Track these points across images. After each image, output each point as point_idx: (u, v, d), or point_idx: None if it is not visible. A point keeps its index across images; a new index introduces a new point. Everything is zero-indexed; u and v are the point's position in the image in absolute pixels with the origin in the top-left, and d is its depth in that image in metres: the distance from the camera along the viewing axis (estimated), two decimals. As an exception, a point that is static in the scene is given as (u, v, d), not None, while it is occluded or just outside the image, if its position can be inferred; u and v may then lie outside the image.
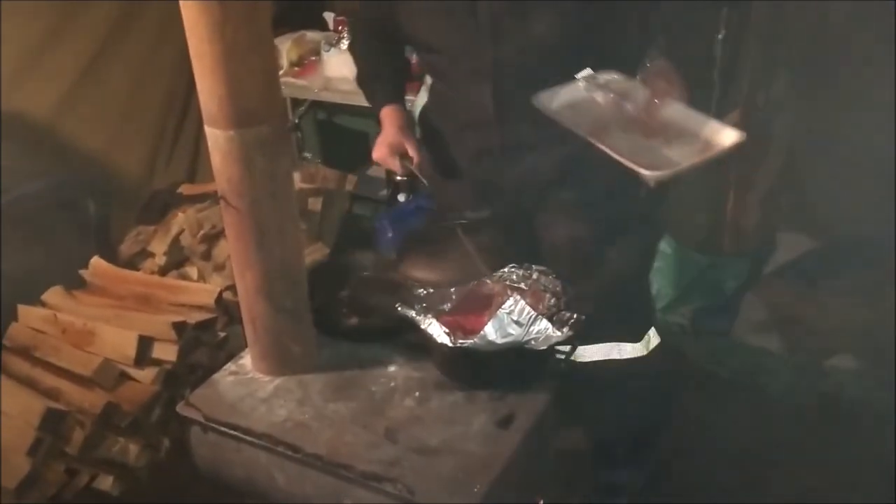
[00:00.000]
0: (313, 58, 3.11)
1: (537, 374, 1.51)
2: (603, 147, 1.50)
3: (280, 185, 1.41)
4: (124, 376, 2.21)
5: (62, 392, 2.13)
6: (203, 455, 1.54)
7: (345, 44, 2.95)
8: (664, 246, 2.70)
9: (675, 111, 1.56)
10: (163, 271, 2.64)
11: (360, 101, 2.94)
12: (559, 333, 1.42)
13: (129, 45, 2.67)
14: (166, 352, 2.22)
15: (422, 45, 1.78)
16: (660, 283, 2.64)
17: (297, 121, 3.22)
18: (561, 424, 1.69)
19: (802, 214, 2.76)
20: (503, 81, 1.66)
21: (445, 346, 1.42)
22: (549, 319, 1.43)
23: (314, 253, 2.76)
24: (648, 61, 1.60)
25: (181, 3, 1.29)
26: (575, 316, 1.46)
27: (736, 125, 1.58)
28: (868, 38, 2.43)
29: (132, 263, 2.66)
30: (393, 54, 1.91)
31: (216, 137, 1.37)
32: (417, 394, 1.50)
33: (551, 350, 1.47)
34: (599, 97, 1.62)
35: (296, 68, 3.09)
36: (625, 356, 1.92)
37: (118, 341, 2.20)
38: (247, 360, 1.61)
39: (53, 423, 2.01)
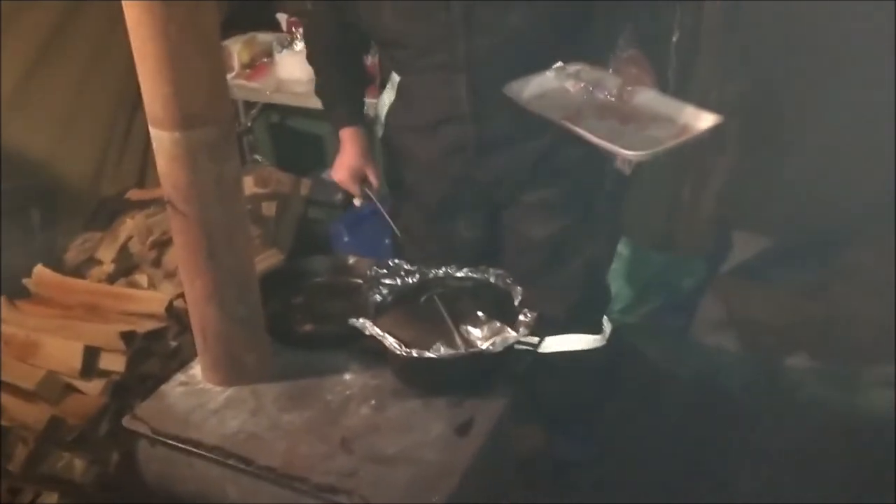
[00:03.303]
0: (265, 59, 3.05)
1: (496, 377, 1.48)
2: (580, 131, 1.50)
3: (228, 190, 1.36)
4: (70, 389, 2.13)
5: (4, 407, 2.04)
6: (152, 470, 1.48)
7: (298, 45, 2.90)
8: (621, 247, 2.71)
9: (649, 97, 1.57)
10: (111, 279, 2.56)
11: (314, 103, 2.90)
12: (515, 334, 1.40)
13: (72, 47, 2.58)
14: (114, 362, 2.15)
15: (388, 41, 1.75)
16: (617, 283, 2.64)
17: (249, 124, 3.16)
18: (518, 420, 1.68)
19: (756, 213, 2.78)
20: (477, 73, 1.64)
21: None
22: (505, 322, 1.42)
23: (269, 259, 2.69)
24: (619, 50, 1.62)
25: (123, 2, 1.24)
26: (530, 315, 1.44)
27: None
28: (831, 37, 2.46)
29: (79, 272, 2.57)
30: (352, 65, 1.89)
31: (161, 139, 1.32)
32: (374, 402, 1.47)
33: (509, 351, 1.45)
34: (570, 86, 1.63)
35: (247, 70, 3.03)
36: (587, 346, 1.95)
37: (63, 353, 2.12)
38: (197, 370, 1.56)
39: (-6, 440, 1.92)
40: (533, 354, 1.55)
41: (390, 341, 1.41)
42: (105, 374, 2.14)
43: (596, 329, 1.98)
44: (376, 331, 1.43)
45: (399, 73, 1.80)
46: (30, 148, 2.52)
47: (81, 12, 2.60)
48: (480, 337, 1.40)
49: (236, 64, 2.98)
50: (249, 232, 1.46)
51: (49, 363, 2.11)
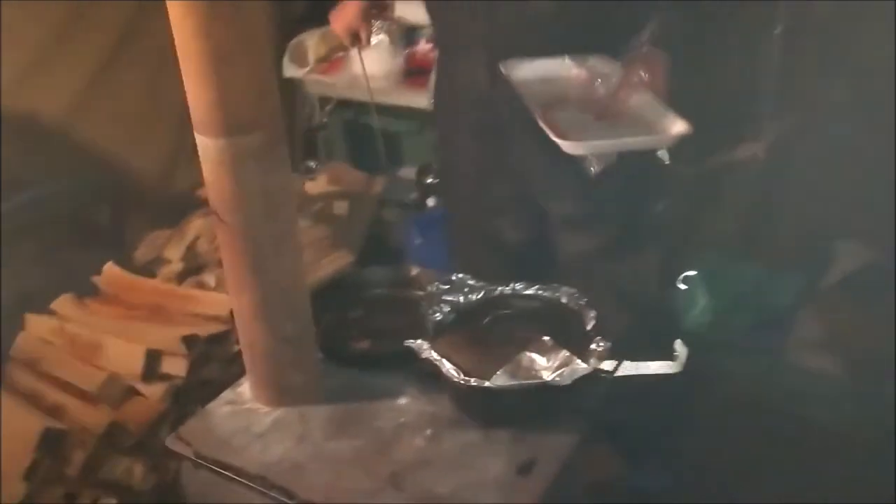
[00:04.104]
0: (341, 54, 2.96)
1: (563, 411, 1.34)
2: (536, 116, 1.45)
3: (276, 201, 1.27)
4: (132, 392, 2.09)
5: (66, 408, 2.02)
6: (194, 493, 1.41)
7: (374, 39, 2.80)
8: (709, 256, 2.52)
9: (641, 100, 1.52)
10: (180, 278, 2.53)
11: (390, 100, 2.85)
12: (585, 366, 1.26)
13: (146, 42, 2.55)
14: (175, 366, 2.10)
15: (429, 14, 1.76)
16: (703, 297, 2.45)
17: (324, 120, 3.08)
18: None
19: (863, 221, 2.53)
20: (497, 55, 1.56)
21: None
22: (574, 351, 1.27)
23: (337, 261, 2.60)
24: (635, 46, 1.54)
25: (167, 1, 1.16)
26: (602, 345, 1.29)
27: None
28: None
29: (148, 269, 2.55)
30: None
31: (205, 146, 1.23)
32: (429, 432, 1.35)
33: (578, 383, 1.31)
34: (574, 75, 1.59)
35: (323, 65, 2.95)
36: (656, 372, 1.81)
37: (125, 355, 2.08)
38: (245, 387, 1.48)
39: (52, 443, 1.89)
40: (606, 385, 1.40)
41: (447, 367, 1.29)
42: (166, 378, 2.10)
43: (666, 355, 1.81)
44: (433, 355, 1.32)
45: (437, 49, 1.81)
46: (101, 144, 2.51)
47: (155, 9, 2.56)
48: (546, 366, 1.27)
49: (311, 58, 2.91)
50: (300, 246, 1.36)
51: (111, 365, 2.08)
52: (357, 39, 2.03)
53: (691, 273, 2.54)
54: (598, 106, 1.53)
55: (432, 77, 1.83)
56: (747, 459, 2.11)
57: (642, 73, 1.51)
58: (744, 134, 2.57)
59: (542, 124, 1.42)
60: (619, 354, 1.62)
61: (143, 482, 2.03)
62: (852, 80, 2.36)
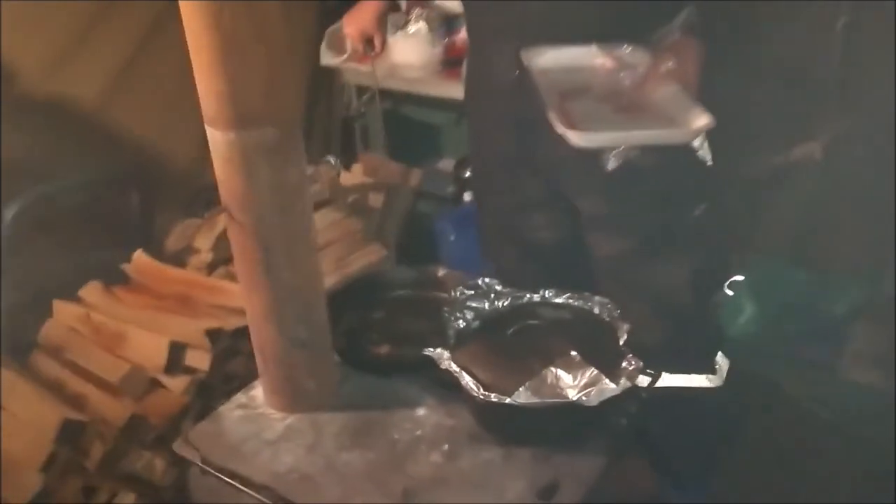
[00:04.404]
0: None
1: (590, 432, 1.25)
2: (547, 106, 1.35)
3: (290, 199, 1.20)
4: (155, 384, 2.06)
5: (88, 399, 1.99)
6: (201, 499, 1.35)
7: (412, 27, 2.72)
8: (758, 261, 2.39)
9: (668, 92, 1.39)
10: (210, 268, 2.49)
11: (428, 90, 2.77)
12: (614, 386, 1.16)
13: (179, 28, 2.50)
14: (200, 360, 2.06)
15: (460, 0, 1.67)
16: (751, 303, 2.33)
17: (362, 110, 3.01)
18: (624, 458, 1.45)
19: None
20: (528, 41, 1.46)
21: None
22: (604, 368, 1.18)
23: (371, 254, 2.54)
24: (664, 34, 1.42)
25: (177, -7, 1.10)
26: (633, 363, 1.20)
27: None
28: None
29: (179, 259, 2.52)
30: None
31: (216, 140, 1.17)
32: (446, 447, 1.27)
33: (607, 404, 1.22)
34: (599, 65, 1.49)
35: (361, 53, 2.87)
36: (695, 385, 1.70)
37: (149, 346, 2.05)
38: (259, 390, 1.42)
39: (71, 434, 1.86)
40: (639, 402, 1.30)
41: (466, 380, 1.21)
42: (190, 371, 2.06)
43: (707, 368, 1.70)
44: (453, 366, 1.24)
45: (469, 36, 1.69)
46: (132, 131, 2.47)
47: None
48: (572, 384, 1.18)
49: (349, 45, 2.83)
50: (315, 246, 1.29)
51: (135, 356, 2.05)
52: (371, 46, 1.96)
53: (739, 278, 2.42)
54: (620, 97, 1.43)
55: (464, 67, 1.73)
56: (793, 480, 1.99)
57: (672, 64, 1.39)
58: (800, 133, 2.43)
59: (549, 114, 1.32)
60: (655, 366, 1.53)
61: (163, 477, 2.00)
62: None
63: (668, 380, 1.65)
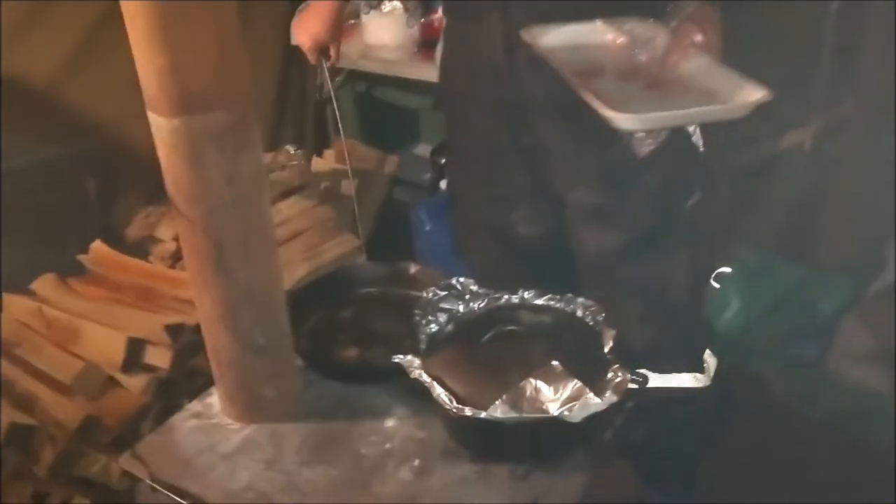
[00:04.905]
0: (352, 21, 2.75)
1: (572, 448, 1.15)
2: (575, 87, 1.21)
3: (243, 190, 1.09)
4: (112, 382, 1.94)
5: (39, 399, 1.87)
6: (150, 517, 1.24)
7: (386, 6, 2.60)
8: (745, 254, 2.31)
9: (697, 65, 1.27)
10: (175, 258, 2.37)
11: (405, 72, 2.65)
12: (599, 401, 1.07)
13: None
14: (160, 357, 1.94)
15: None
16: (738, 298, 2.24)
17: (332, 92, 2.88)
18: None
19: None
20: (514, 16, 1.34)
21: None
22: (588, 381, 1.08)
23: (343, 245, 2.44)
24: (681, 3, 1.32)
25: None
26: (620, 375, 1.10)
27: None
28: None
29: (140, 249, 2.39)
30: None
31: (159, 126, 1.05)
32: (417, 462, 1.17)
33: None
34: (610, 41, 1.37)
35: (333, 33, 2.74)
36: (683, 385, 1.61)
37: (105, 343, 1.93)
38: (215, 398, 1.31)
39: (19, 438, 1.75)
40: (624, 414, 1.20)
41: (438, 392, 1.11)
42: (149, 369, 1.94)
43: (695, 367, 1.61)
44: (423, 376, 1.14)
45: (446, 15, 1.55)
46: (90, 113, 2.33)
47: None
48: (553, 398, 1.08)
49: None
50: (273, 243, 1.18)
51: (90, 353, 1.93)
52: (326, 55, 1.76)
53: (725, 270, 2.33)
54: (642, 75, 1.31)
55: (439, 49, 1.59)
56: (780, 480, 1.91)
57: (699, 35, 1.28)
58: (789, 121, 2.34)
59: (586, 96, 1.18)
60: (645, 367, 1.43)
61: (121, 481, 1.89)
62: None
63: (655, 381, 1.56)
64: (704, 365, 1.65)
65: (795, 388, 2.10)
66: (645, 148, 1.34)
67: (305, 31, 1.69)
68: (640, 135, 1.34)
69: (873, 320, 2.19)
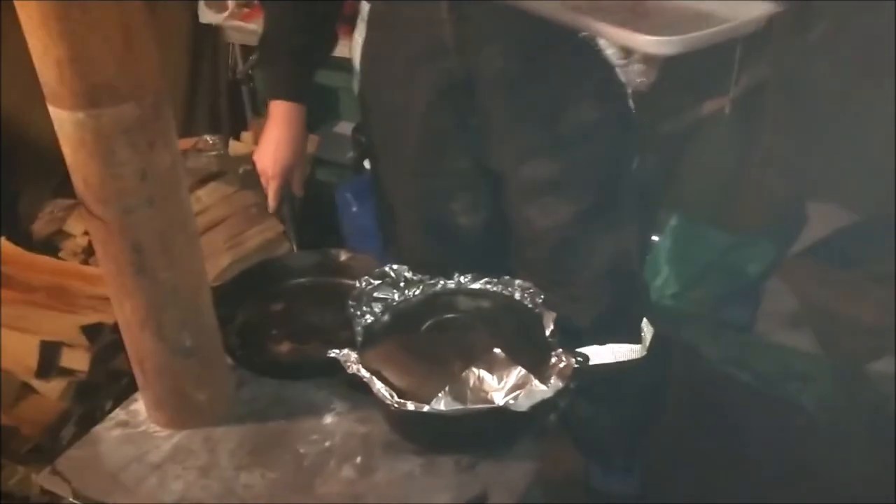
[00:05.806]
0: (259, -1, 2.65)
1: (519, 435, 1.13)
2: (582, 18, 1.14)
3: (160, 187, 1.01)
4: (27, 389, 1.84)
5: (-52, 412, 1.76)
6: (78, 538, 1.17)
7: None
8: (673, 222, 2.33)
9: None
10: (86, 254, 2.25)
11: None
12: (545, 388, 1.04)
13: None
14: (77, 359, 1.85)
15: None
16: (668, 266, 2.27)
17: (249, 72, 2.77)
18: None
19: (837, 184, 2.35)
20: None
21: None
22: (531, 367, 1.06)
23: (267, 231, 2.36)
24: None
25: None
26: (564, 360, 1.08)
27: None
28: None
29: (49, 245, 2.27)
30: (316, 16, 1.46)
31: (61, 121, 0.97)
32: (359, 460, 1.13)
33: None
34: None
35: (245, 9, 2.63)
36: (621, 358, 1.60)
37: (17, 347, 1.82)
38: (140, 405, 1.23)
39: (-73, 456, 1.64)
40: (569, 396, 1.18)
41: (378, 387, 1.07)
42: (67, 373, 1.85)
43: (633, 337, 1.60)
44: (362, 371, 1.09)
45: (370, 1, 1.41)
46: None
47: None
48: (497, 387, 1.05)
49: (231, 2, 2.59)
50: (196, 239, 1.11)
51: (1, 360, 1.82)
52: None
53: (654, 238, 2.35)
54: (628, 7, 1.21)
55: (358, 35, 1.48)
56: (715, 445, 1.95)
57: None
58: (711, 87, 2.36)
59: (600, 28, 1.12)
60: (586, 343, 1.42)
61: (42, 494, 1.79)
62: (834, 22, 2.13)
63: (595, 357, 1.55)
64: (642, 334, 1.64)
65: (726, 352, 2.15)
66: (647, 81, 1.28)
67: (266, 154, 1.48)
68: (639, 67, 1.28)
69: (796, 282, 2.24)
